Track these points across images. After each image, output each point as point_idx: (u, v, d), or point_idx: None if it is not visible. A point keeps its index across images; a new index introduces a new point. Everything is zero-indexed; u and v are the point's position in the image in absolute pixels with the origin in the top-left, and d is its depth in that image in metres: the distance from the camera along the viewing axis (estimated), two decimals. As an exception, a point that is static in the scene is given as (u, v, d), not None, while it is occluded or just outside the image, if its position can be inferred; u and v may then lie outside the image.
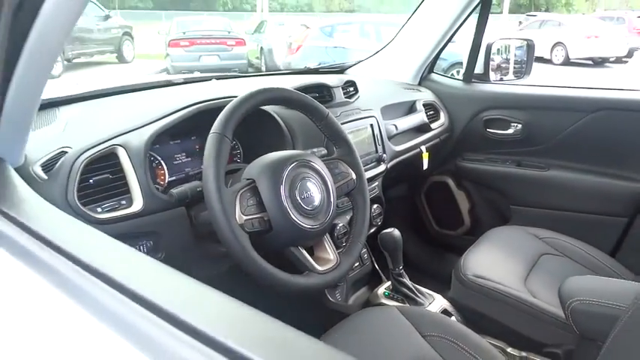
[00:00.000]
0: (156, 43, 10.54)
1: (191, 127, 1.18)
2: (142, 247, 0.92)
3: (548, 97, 1.80)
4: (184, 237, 0.99)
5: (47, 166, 0.89)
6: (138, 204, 0.92)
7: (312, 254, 1.00)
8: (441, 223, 2.08)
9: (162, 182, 1.11)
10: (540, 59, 10.53)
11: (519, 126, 1.80)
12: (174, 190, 0.91)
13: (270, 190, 0.90)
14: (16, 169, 0.86)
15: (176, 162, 1.18)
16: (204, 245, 1.04)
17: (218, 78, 1.59)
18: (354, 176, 1.08)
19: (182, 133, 1.18)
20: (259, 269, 0.84)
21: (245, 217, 0.87)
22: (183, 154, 1.20)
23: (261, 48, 9.58)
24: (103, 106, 1.25)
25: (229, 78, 1.72)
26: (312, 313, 1.39)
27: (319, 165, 1.00)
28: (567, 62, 11.48)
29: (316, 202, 0.95)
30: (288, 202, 0.91)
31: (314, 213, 0.95)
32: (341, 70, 1.99)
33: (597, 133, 1.68)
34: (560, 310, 1.08)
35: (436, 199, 2.06)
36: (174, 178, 1.15)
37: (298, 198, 0.93)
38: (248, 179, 0.92)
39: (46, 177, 0.86)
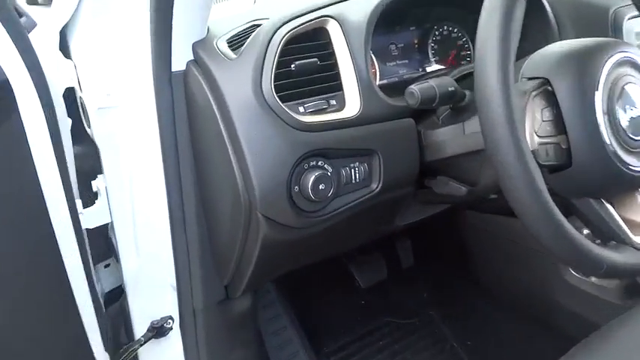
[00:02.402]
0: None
1: (409, 12, 0.84)
2: (354, 172, 0.62)
3: None
4: (409, 163, 0.67)
5: (235, 43, 0.63)
6: (353, 106, 0.62)
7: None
8: None
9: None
10: None
11: None
12: (416, 87, 0.58)
13: (577, 99, 0.52)
14: (197, 43, 0.62)
15: (389, 62, 0.86)
16: (431, 178, 0.72)
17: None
18: None
19: (399, 20, 0.85)
20: (557, 229, 0.49)
21: (538, 140, 0.51)
22: (398, 51, 0.87)
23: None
24: None
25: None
26: (558, 296, 1.00)
27: None
28: None
29: None
30: (606, 121, 0.52)
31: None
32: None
33: None
34: None
35: None
36: (384, 81, 0.83)
37: (620, 116, 0.54)
38: (535, 78, 0.55)
39: (234, 55, 0.60)
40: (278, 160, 0.56)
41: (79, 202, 0.71)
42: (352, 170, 0.62)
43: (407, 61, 0.88)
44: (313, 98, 0.61)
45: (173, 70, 0.62)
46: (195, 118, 0.63)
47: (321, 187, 0.58)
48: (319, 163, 0.59)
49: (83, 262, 0.62)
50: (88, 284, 0.64)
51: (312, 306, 1.24)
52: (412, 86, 0.58)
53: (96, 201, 0.73)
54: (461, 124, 0.63)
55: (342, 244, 0.85)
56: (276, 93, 0.57)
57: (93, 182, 0.72)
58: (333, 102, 0.62)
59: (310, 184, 0.57)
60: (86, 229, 0.74)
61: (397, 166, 0.65)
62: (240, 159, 0.56)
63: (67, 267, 0.59)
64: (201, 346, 0.82)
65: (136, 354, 0.82)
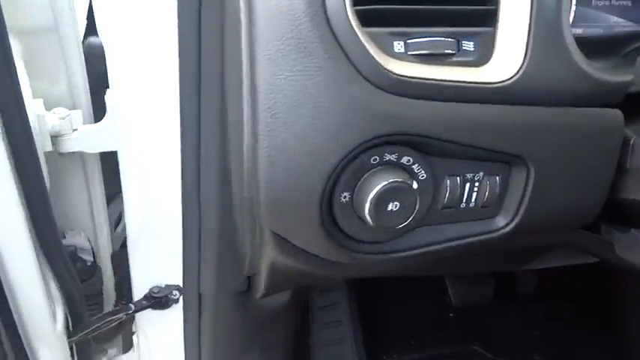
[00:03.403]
0: None
1: None
2: (468, 189, 0.32)
3: None
4: (588, 194, 0.35)
5: None
6: (510, 59, 0.31)
7: None
8: None
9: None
10: None
11: None
12: None
13: None
14: None
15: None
16: (615, 227, 0.39)
17: None
18: None
19: None
20: None
21: None
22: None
23: None
24: None
25: None
26: None
27: None
28: None
29: None
30: None
31: None
32: None
33: None
34: None
35: None
36: (579, 31, 0.48)
37: None
38: None
39: None
40: (322, 137, 0.28)
41: (75, 114, 0.51)
42: (467, 185, 0.32)
43: (629, 2, 0.51)
44: (429, 30, 0.31)
45: None
46: (224, 31, 0.37)
47: (391, 206, 0.29)
48: (403, 161, 0.30)
49: (29, 192, 0.42)
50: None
51: (380, 302, 0.98)
52: None
53: (103, 118, 0.52)
54: None
55: (422, 273, 0.57)
56: (354, 4, 0.28)
57: (108, 91, 0.52)
58: (469, 45, 0.31)
59: (372, 196, 0.29)
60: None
61: (560, 194, 0.34)
62: (255, 120, 0.29)
63: None
64: (205, 339, 0.61)
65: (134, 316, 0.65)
